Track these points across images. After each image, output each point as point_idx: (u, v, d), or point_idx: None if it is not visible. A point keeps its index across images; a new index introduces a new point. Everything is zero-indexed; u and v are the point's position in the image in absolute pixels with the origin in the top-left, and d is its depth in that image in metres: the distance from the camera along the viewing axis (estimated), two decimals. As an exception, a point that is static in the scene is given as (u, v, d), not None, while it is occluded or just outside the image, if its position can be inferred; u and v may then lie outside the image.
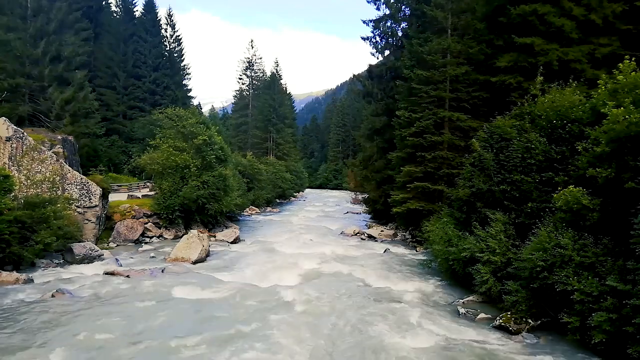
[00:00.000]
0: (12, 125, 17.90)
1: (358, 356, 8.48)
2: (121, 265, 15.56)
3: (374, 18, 28.89)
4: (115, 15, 47.23)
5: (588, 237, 9.19)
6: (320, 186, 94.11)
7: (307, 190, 79.22)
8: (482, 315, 10.86)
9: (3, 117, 18.07)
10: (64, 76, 29.02)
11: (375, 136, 29.64)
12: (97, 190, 19.07)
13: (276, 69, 67.21)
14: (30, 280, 12.84)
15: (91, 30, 38.90)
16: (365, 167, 32.03)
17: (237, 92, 69.18)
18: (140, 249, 19.28)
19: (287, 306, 11.37)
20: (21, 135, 17.77)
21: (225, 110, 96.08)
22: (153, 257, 17.61)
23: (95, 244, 17.95)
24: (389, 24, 28.98)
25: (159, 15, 48.15)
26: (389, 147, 25.59)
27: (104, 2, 47.33)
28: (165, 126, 25.45)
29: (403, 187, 21.51)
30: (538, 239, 9.88)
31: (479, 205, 13.17)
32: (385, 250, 20.22)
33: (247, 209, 36.99)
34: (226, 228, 25.57)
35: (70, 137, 24.18)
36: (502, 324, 10.00)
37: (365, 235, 25.18)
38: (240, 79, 67.44)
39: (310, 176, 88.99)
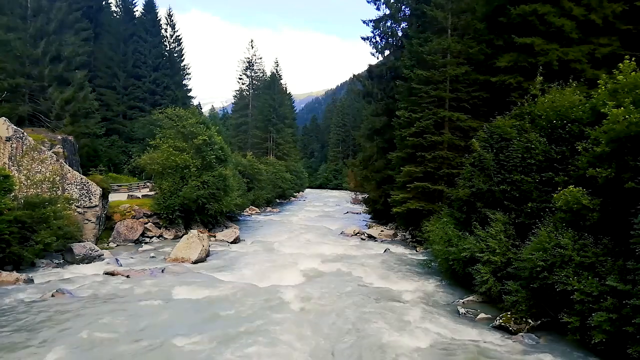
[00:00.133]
0: (12, 125, 17.90)
1: (358, 356, 8.48)
2: (121, 265, 15.56)
3: (374, 18, 28.92)
4: (115, 15, 47.22)
5: (588, 237, 9.19)
6: (320, 186, 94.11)
7: (307, 190, 79.22)
8: (482, 315, 10.87)
9: (3, 117, 18.08)
10: (64, 76, 29.02)
11: (375, 136, 29.64)
12: (97, 190, 19.07)
13: (276, 69, 67.29)
14: (30, 280, 12.85)
15: (91, 30, 38.89)
16: (365, 167, 32.03)
17: (237, 92, 69.20)
18: (140, 249, 19.29)
19: (287, 306, 11.37)
20: (21, 135, 17.78)
21: (225, 110, 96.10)
22: (153, 257, 17.61)
23: (95, 244, 17.95)
24: (389, 24, 28.99)
25: (159, 15, 48.20)
26: (389, 147, 25.59)
27: (104, 2, 47.33)
28: (165, 126, 25.46)
29: (403, 187, 21.51)
30: (538, 239, 9.87)
31: (479, 205, 13.17)
32: (385, 250, 20.22)
33: (247, 209, 37.00)
34: (226, 228, 25.58)
35: (70, 137, 24.18)
36: (502, 324, 10.00)
37: (365, 235, 25.18)
38: (240, 79, 67.51)
39: (310, 176, 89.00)
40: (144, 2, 47.46)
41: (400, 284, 14.07)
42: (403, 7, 28.30)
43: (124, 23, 45.46)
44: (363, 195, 37.11)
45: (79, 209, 18.49)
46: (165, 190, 22.61)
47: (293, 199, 60.39)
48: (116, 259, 16.55)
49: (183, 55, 51.15)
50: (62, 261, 15.74)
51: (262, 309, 10.99)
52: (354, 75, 36.06)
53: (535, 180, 11.50)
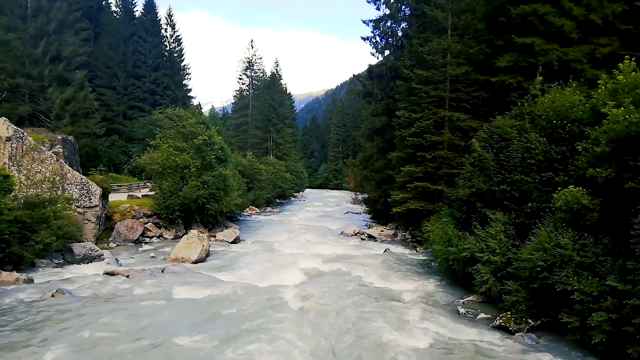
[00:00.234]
0: (12, 125, 17.90)
1: (358, 355, 8.48)
2: (121, 265, 15.56)
3: (374, 18, 28.93)
4: (115, 15, 47.22)
5: (588, 237, 9.19)
6: (320, 186, 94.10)
7: (307, 190, 79.23)
8: (482, 315, 10.87)
9: (3, 117, 18.08)
10: (64, 76, 29.02)
11: (375, 136, 29.65)
12: (97, 190, 19.07)
13: (276, 69, 67.29)
14: (30, 280, 12.85)
15: (91, 30, 38.89)
16: (365, 167, 32.03)
17: (237, 92, 69.20)
18: (140, 249, 19.28)
19: (288, 305, 11.37)
20: (21, 135, 17.78)
21: (225, 110, 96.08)
22: (153, 257, 17.62)
23: (95, 244, 17.95)
24: (389, 24, 29.00)
25: (159, 15, 48.20)
26: (389, 147, 25.59)
27: (104, 2, 47.33)
28: (165, 126, 25.46)
29: (403, 187, 21.51)
30: (538, 239, 9.87)
31: (479, 205, 13.17)
32: (385, 250, 20.22)
33: (247, 209, 37.00)
34: (226, 228, 25.58)
35: (70, 137, 24.19)
36: (502, 324, 10.00)
37: (365, 235, 25.18)
38: (240, 79, 67.51)
39: (310, 176, 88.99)
40: (144, 2, 47.50)
41: (400, 284, 14.07)
42: (403, 7, 28.31)
43: (124, 23, 45.46)
44: (363, 195, 37.12)
45: (79, 209, 18.49)
46: (165, 190, 22.61)
47: (293, 199, 60.39)
48: (116, 259, 16.55)
49: (183, 55, 51.18)
50: (62, 261, 15.74)
51: (262, 308, 10.99)
52: (354, 75, 36.07)
53: (535, 180, 11.50)
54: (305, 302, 11.67)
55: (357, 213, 39.41)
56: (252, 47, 66.97)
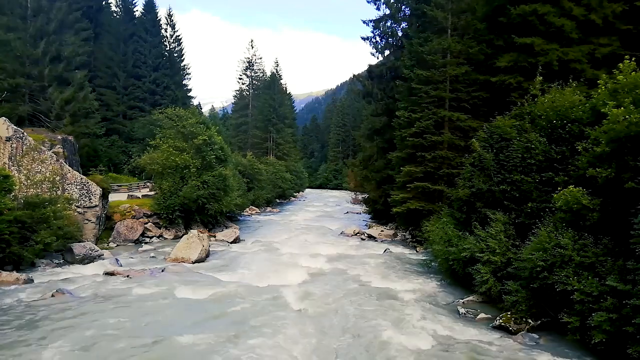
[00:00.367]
0: (12, 125, 17.90)
1: (358, 355, 8.48)
2: (121, 265, 15.56)
3: (374, 18, 28.94)
4: (115, 15, 47.21)
5: (588, 237, 9.19)
6: (320, 186, 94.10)
7: (307, 190, 79.22)
8: (482, 315, 10.87)
9: (3, 117, 18.07)
10: (64, 76, 29.04)
11: (375, 136, 29.64)
12: (97, 190, 19.07)
13: (276, 69, 67.26)
14: (30, 280, 12.85)
15: (91, 30, 38.88)
16: (365, 167, 32.03)
17: (237, 92, 69.18)
18: (140, 249, 19.28)
19: (288, 305, 11.37)
20: (21, 135, 17.77)
21: (225, 110, 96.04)
22: (153, 257, 17.62)
23: (95, 244, 17.95)
24: (389, 24, 29.01)
25: (159, 15, 48.15)
26: (389, 147, 25.59)
27: (104, 2, 47.32)
28: (165, 126, 25.46)
29: (403, 187, 21.51)
30: (538, 239, 9.87)
31: (479, 205, 13.17)
32: (385, 250, 20.22)
33: (247, 209, 37.00)
34: (226, 228, 25.58)
35: (70, 137, 24.18)
36: (502, 324, 10.00)
37: (365, 235, 25.18)
38: (240, 79, 67.49)
39: (310, 176, 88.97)
40: (144, 2, 47.48)
41: (400, 284, 14.06)
42: (403, 7, 28.31)
43: (124, 23, 45.44)
44: (363, 195, 37.11)
45: (79, 209, 18.49)
46: (165, 190, 22.61)
47: (293, 199, 60.38)
48: (116, 259, 16.54)
49: (183, 55, 51.16)
50: (62, 261, 15.74)
51: (262, 308, 11.00)
52: (354, 75, 36.06)
53: (535, 180, 11.50)
54: (305, 302, 11.67)
55: (357, 213, 39.40)
56: (252, 47, 67.03)
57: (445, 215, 15.50)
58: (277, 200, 50.96)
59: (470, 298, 12.18)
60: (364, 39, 29.31)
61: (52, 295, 11.41)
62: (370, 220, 32.19)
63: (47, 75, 27.92)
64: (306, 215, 38.07)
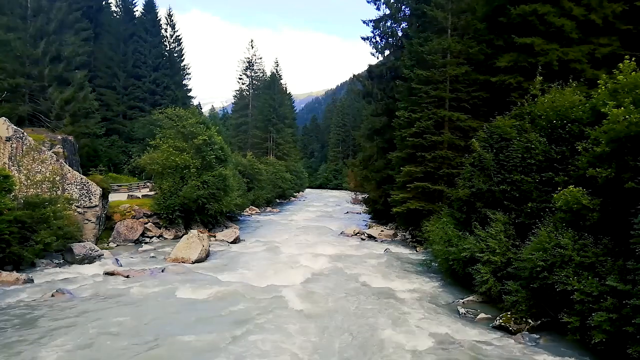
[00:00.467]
0: (12, 125, 17.90)
1: (358, 355, 8.48)
2: (121, 265, 15.56)
3: (374, 18, 28.93)
4: (115, 15, 47.20)
5: (588, 237, 9.19)
6: (320, 186, 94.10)
7: (307, 190, 79.23)
8: (482, 315, 10.87)
9: (3, 117, 18.07)
10: (64, 76, 29.03)
11: (375, 136, 29.64)
12: (97, 190, 19.07)
13: (276, 69, 67.26)
14: (30, 280, 12.85)
15: (91, 30, 38.88)
16: (365, 167, 32.03)
17: (237, 92, 69.18)
18: (140, 249, 19.28)
19: (288, 306, 11.37)
20: (21, 135, 17.77)
21: (225, 110, 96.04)
22: (153, 257, 17.62)
23: (95, 244, 17.95)
24: (389, 24, 29.00)
25: (159, 15, 48.14)
26: (389, 147, 25.59)
27: (104, 2, 47.31)
28: (165, 126, 25.46)
29: (403, 187, 21.51)
30: (538, 239, 9.88)
31: (479, 205, 13.17)
32: (385, 250, 20.23)
33: (247, 209, 36.99)
34: (226, 228, 25.58)
35: (70, 137, 24.18)
36: (502, 324, 10.00)
37: (365, 235, 25.18)
38: (240, 79, 67.49)
39: (310, 176, 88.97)
40: (144, 2, 47.48)
41: (400, 284, 14.07)
42: (403, 7, 28.30)
43: (124, 23, 45.44)
44: (363, 195, 37.11)
45: (79, 209, 18.49)
46: (165, 190, 22.61)
47: (293, 199, 60.38)
48: (116, 259, 16.55)
49: (183, 55, 51.17)
50: (62, 261, 15.74)
51: (262, 308, 11.00)
52: (354, 75, 36.07)
53: (535, 180, 11.50)
54: (305, 302, 11.67)
55: (357, 213, 39.41)
56: (252, 47, 67.03)
57: (445, 215, 15.50)
58: (277, 200, 50.96)
59: (470, 298, 12.19)
60: (364, 39, 29.33)
61: (52, 295, 11.42)
62: (370, 220, 32.19)
63: (47, 75, 27.93)
64: (306, 215, 38.07)
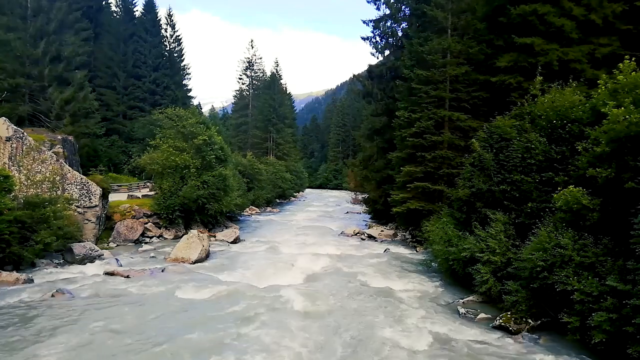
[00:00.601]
0: (12, 125, 17.89)
1: (357, 355, 8.48)
2: (121, 265, 15.56)
3: (374, 18, 28.94)
4: (115, 15, 47.22)
5: (588, 237, 9.19)
6: (320, 186, 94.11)
7: (307, 190, 79.23)
8: (482, 315, 10.86)
9: (3, 117, 18.07)
10: (64, 76, 29.04)
11: (375, 136, 29.64)
12: (97, 190, 19.07)
13: (276, 69, 67.27)
14: (30, 280, 12.85)
15: (91, 30, 38.89)
16: (365, 167, 32.03)
17: (237, 92, 69.19)
18: (140, 249, 19.28)
19: (288, 306, 11.36)
20: (21, 135, 17.77)
21: (225, 110, 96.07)
22: (153, 257, 17.61)
23: (95, 244, 17.95)
24: (389, 24, 29.00)
25: (159, 15, 48.19)
26: (389, 147, 25.59)
27: (104, 2, 47.33)
28: (165, 126, 25.46)
29: (403, 187, 21.51)
30: (538, 239, 9.88)
31: (479, 205, 13.17)
32: (385, 250, 20.22)
33: (247, 209, 36.99)
34: (226, 228, 25.58)
35: (70, 137, 24.19)
36: (502, 324, 10.00)
37: (365, 235, 25.18)
38: (240, 79, 67.50)
39: (310, 176, 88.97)
40: (144, 2, 47.50)
41: (400, 284, 14.07)
42: (403, 7, 28.30)
43: (124, 23, 45.45)
44: (363, 195, 37.11)
45: (79, 209, 18.48)
46: (165, 190, 22.61)
47: (293, 199, 60.38)
48: (116, 259, 16.55)
49: (183, 55, 51.18)
50: (62, 261, 15.74)
51: (262, 308, 10.99)
52: (354, 75, 36.06)
53: (535, 180, 11.50)
54: (305, 302, 11.65)
55: (357, 213, 39.41)
56: (252, 47, 67.05)
57: (445, 215, 15.50)
58: (277, 200, 50.97)
59: (470, 298, 12.18)
60: (364, 39, 29.33)
61: (52, 295, 11.42)
62: (370, 220, 32.18)
63: (47, 75, 27.93)
64: (306, 215, 38.07)
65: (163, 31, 48.74)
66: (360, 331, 9.70)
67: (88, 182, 19.04)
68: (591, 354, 8.42)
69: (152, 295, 11.95)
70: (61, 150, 21.39)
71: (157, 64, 45.61)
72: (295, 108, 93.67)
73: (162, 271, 14.78)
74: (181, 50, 50.83)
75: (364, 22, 29.34)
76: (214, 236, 22.64)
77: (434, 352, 8.75)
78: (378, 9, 29.09)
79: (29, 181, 16.39)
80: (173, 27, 49.64)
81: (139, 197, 25.65)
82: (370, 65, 30.71)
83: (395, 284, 14.02)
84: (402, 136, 21.38)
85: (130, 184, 32.46)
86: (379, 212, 30.00)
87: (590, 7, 16.26)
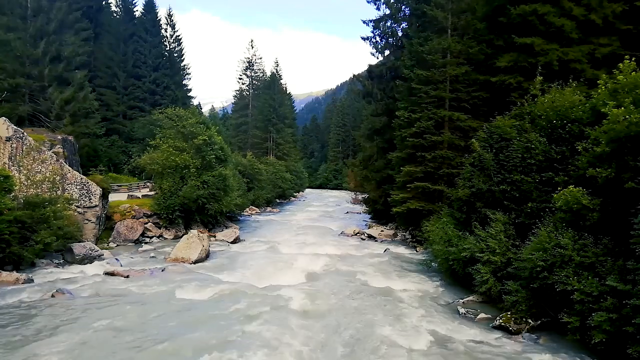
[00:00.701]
0: (12, 125, 17.89)
1: (357, 354, 8.48)
2: (121, 265, 15.56)
3: (374, 18, 28.94)
4: (115, 15, 47.23)
5: (588, 237, 9.19)
6: (320, 186, 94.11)
7: (307, 190, 79.23)
8: (482, 315, 10.87)
9: (3, 117, 18.07)
10: (64, 76, 29.05)
11: (375, 136, 29.64)
12: (97, 190, 19.07)
13: (276, 69, 67.27)
14: (30, 280, 12.85)
15: (91, 30, 38.90)
16: (365, 167, 32.03)
17: (237, 92, 69.19)
18: (140, 249, 19.28)
19: (288, 305, 11.36)
20: (21, 135, 17.77)
21: (225, 110, 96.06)
22: (153, 257, 17.61)
23: (95, 244, 17.95)
24: (389, 23, 29.00)
25: (159, 15, 48.21)
26: (389, 147, 25.59)
27: (104, 2, 47.34)
28: (165, 126, 25.46)
29: (403, 187, 21.51)
30: (538, 239, 9.87)
31: (479, 205, 13.17)
32: (385, 250, 20.23)
33: (247, 209, 37.00)
34: (226, 228, 25.58)
35: (70, 137, 24.19)
36: (502, 324, 10.00)
37: (365, 235, 25.18)
38: (240, 79, 67.49)
39: (310, 176, 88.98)
40: (144, 2, 47.51)
41: (400, 284, 14.07)
42: (403, 7, 28.30)
43: (124, 23, 45.46)
44: (363, 195, 37.11)
45: (79, 209, 18.49)
46: (165, 190, 22.61)
47: (293, 199, 60.38)
48: (116, 259, 16.55)
49: (183, 55, 51.19)
50: (62, 261, 15.74)
51: (262, 308, 10.98)
52: (354, 75, 36.05)
53: (535, 180, 11.50)
54: (305, 302, 11.66)
55: (357, 213, 39.41)
56: (252, 47, 67.04)
57: (445, 215, 15.50)
58: (277, 200, 50.97)
59: (470, 298, 12.18)
60: (364, 39, 29.33)
61: (52, 296, 11.42)
62: (370, 220, 32.18)
63: (47, 75, 27.94)
64: (306, 215, 38.08)
65: (163, 31, 48.75)
66: (360, 330, 9.70)
67: (88, 182, 19.05)
68: (591, 354, 8.42)
69: (152, 295, 11.95)
70: (61, 150, 21.39)
71: (157, 64, 45.62)
72: (295, 108, 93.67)
73: (162, 271, 14.78)
74: (181, 50, 50.86)
75: (364, 22, 29.38)
76: (214, 236, 22.64)
77: (433, 351, 8.76)
78: (378, 9, 29.13)
79: (29, 181, 16.38)
80: (173, 27, 49.67)
81: (139, 197, 25.65)
82: (370, 65, 30.71)
83: (395, 284, 14.02)
84: (402, 136, 21.38)
85: (130, 184, 32.46)
86: (379, 212, 30.00)
87: (590, 7, 16.26)
